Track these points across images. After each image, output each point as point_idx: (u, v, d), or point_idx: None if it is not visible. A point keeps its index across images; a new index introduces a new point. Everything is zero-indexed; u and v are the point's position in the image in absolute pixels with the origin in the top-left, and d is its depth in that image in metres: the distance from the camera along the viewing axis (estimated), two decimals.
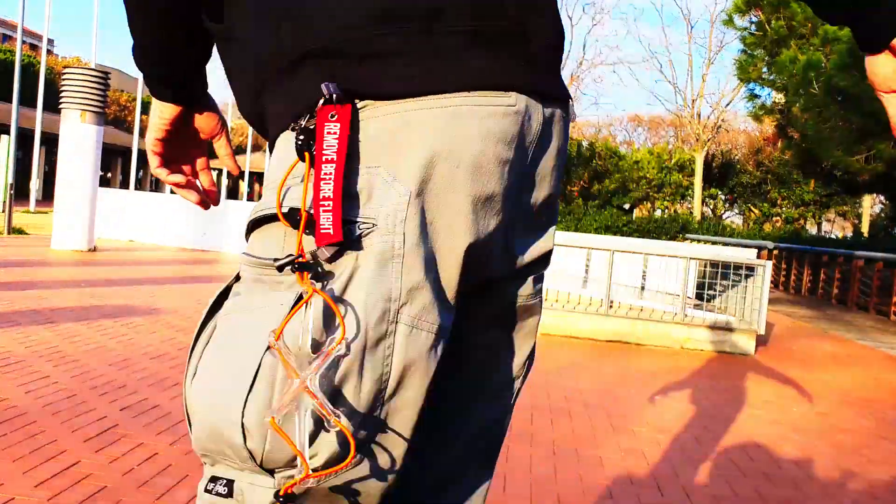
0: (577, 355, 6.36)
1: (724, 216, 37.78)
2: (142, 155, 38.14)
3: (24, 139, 28.66)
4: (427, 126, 0.74)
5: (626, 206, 35.95)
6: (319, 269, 0.73)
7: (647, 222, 21.43)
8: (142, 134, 40.16)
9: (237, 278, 0.81)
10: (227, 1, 0.83)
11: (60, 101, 10.73)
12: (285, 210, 0.73)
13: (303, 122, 0.72)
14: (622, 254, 8.58)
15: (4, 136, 19.20)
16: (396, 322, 0.73)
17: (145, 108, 46.37)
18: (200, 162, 1.09)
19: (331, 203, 0.70)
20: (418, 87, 0.74)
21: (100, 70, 10.94)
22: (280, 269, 0.72)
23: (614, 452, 3.75)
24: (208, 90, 1.03)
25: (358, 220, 0.72)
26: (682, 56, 56.08)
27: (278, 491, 0.73)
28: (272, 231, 0.77)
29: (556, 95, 0.86)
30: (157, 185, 48.61)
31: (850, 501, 3.39)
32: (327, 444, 0.72)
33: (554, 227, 0.94)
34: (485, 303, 0.90)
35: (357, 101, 0.74)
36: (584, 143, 36.19)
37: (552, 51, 0.87)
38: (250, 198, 45.37)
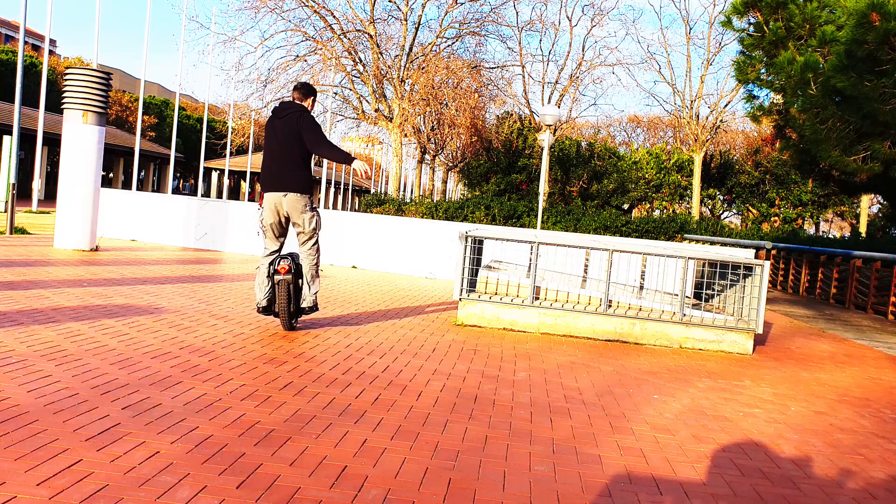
0: (576, 355, 6.38)
1: (722, 216, 37.79)
2: (143, 155, 38.16)
3: (27, 139, 28.65)
4: None
5: (625, 207, 35.95)
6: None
7: (646, 222, 21.41)
8: (143, 134, 40.17)
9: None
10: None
11: (63, 101, 10.76)
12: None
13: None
14: (621, 254, 8.60)
15: (7, 137, 19.21)
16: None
17: (147, 109, 46.40)
18: None
19: None
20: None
21: (102, 70, 10.96)
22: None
23: (613, 451, 3.77)
24: None
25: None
26: (680, 57, 56.20)
27: None
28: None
29: None
30: (158, 186, 48.60)
31: (848, 500, 3.41)
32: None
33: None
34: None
35: None
36: (583, 144, 36.19)
37: None
38: (251, 198, 45.29)
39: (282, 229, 6.04)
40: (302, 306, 6.07)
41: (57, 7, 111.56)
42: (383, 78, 26.15)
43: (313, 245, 6.05)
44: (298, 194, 5.89)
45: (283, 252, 6.15)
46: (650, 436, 4.11)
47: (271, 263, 5.97)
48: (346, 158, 6.00)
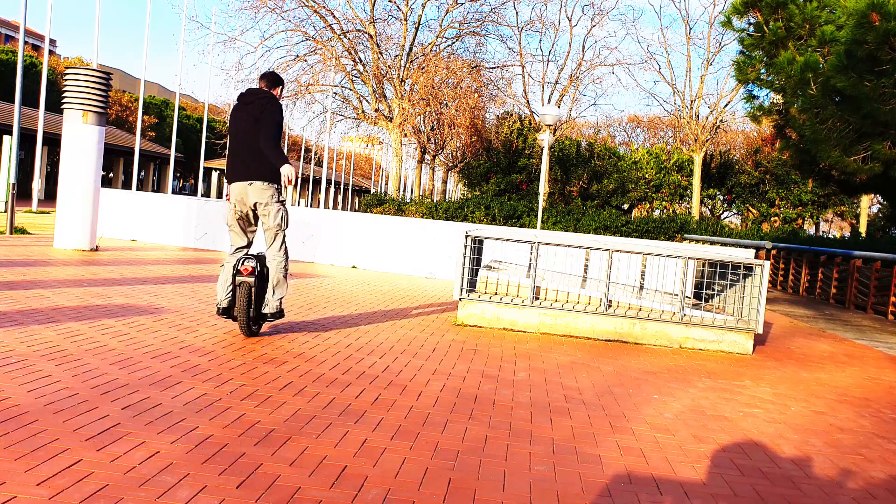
0: (576, 355, 6.38)
1: (722, 216, 37.79)
2: (143, 155, 38.13)
3: (27, 139, 28.64)
4: None
5: (625, 207, 35.96)
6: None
7: (646, 222, 21.41)
8: (143, 134, 40.14)
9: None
10: None
11: (63, 101, 10.76)
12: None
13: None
14: (621, 254, 8.60)
15: (7, 137, 19.20)
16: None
17: (147, 109, 46.37)
18: None
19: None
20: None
21: (102, 70, 10.96)
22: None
23: (613, 451, 3.77)
24: None
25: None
26: (680, 57, 56.06)
27: None
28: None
29: None
30: (158, 186, 48.57)
31: (847, 500, 3.41)
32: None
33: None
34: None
35: None
36: (583, 144, 36.20)
37: None
38: None
39: (249, 223, 5.71)
40: (263, 311, 5.68)
41: (57, 7, 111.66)
42: (383, 78, 26.15)
43: (281, 246, 5.68)
44: (265, 182, 5.52)
45: (254, 251, 5.82)
46: (650, 436, 4.11)
47: (237, 262, 5.60)
48: (279, 160, 5.49)
